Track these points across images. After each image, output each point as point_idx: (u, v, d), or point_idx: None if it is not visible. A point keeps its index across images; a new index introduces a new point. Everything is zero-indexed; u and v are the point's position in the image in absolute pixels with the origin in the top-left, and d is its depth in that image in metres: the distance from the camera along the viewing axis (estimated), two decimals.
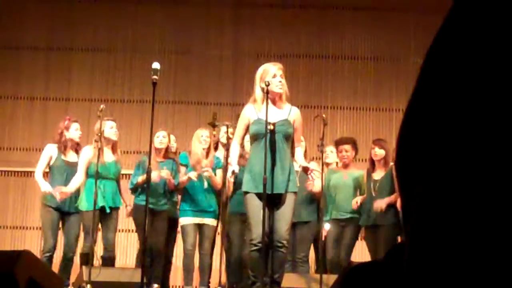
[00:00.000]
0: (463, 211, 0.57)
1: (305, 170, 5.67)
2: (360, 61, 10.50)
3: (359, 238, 7.74)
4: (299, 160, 5.78)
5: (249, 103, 5.81)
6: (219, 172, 7.32)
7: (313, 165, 7.41)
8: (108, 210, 7.10)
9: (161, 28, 10.50)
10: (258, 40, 10.40)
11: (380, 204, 7.07)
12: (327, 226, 7.46)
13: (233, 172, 5.64)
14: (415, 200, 0.63)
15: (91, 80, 10.45)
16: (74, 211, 7.21)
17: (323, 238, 7.32)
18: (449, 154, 0.60)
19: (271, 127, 5.58)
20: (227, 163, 6.65)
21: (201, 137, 7.39)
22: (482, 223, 0.56)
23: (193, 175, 7.19)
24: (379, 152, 7.36)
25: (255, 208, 5.52)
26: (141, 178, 7.11)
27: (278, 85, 5.67)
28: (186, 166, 7.43)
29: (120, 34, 10.51)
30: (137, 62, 10.30)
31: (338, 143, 7.72)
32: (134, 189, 7.36)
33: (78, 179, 7.15)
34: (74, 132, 7.34)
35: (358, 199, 7.32)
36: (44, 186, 7.12)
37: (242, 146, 6.03)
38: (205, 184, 7.32)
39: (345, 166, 7.59)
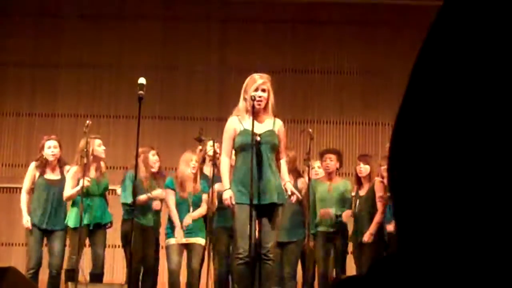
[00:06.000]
0: (458, 227, 0.56)
1: (289, 195, 5.60)
2: (346, 75, 10.53)
3: (349, 252, 7.72)
4: (285, 179, 5.70)
5: (232, 115, 5.77)
6: (205, 196, 7.19)
7: (301, 182, 7.37)
8: (91, 227, 7.05)
9: (147, 43, 10.49)
10: (244, 55, 10.40)
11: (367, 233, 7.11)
12: None
13: (230, 197, 5.49)
14: (409, 214, 0.61)
15: (77, 96, 10.41)
16: (57, 228, 7.16)
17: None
18: (445, 166, 0.58)
19: (258, 138, 5.54)
20: (213, 179, 6.62)
21: (190, 162, 7.21)
22: (476, 245, 0.55)
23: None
24: (364, 168, 7.36)
25: (242, 221, 5.45)
26: (143, 198, 7.09)
27: (258, 100, 5.59)
28: (174, 191, 7.26)
29: (106, 49, 10.49)
30: (123, 78, 10.26)
31: (323, 153, 7.70)
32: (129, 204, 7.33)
33: (66, 193, 7.10)
34: (47, 150, 7.27)
35: (346, 213, 7.29)
36: (25, 216, 7.15)
37: (231, 158, 5.91)
38: (191, 209, 7.22)
39: (329, 175, 7.52)
